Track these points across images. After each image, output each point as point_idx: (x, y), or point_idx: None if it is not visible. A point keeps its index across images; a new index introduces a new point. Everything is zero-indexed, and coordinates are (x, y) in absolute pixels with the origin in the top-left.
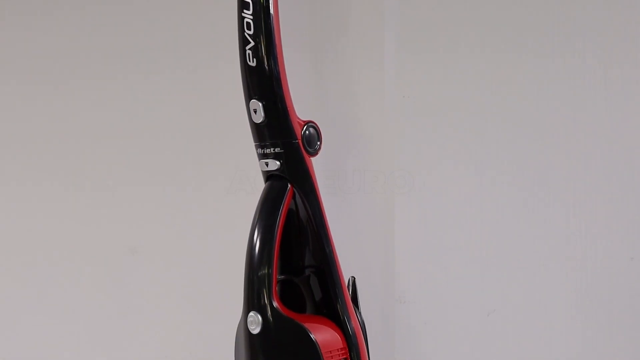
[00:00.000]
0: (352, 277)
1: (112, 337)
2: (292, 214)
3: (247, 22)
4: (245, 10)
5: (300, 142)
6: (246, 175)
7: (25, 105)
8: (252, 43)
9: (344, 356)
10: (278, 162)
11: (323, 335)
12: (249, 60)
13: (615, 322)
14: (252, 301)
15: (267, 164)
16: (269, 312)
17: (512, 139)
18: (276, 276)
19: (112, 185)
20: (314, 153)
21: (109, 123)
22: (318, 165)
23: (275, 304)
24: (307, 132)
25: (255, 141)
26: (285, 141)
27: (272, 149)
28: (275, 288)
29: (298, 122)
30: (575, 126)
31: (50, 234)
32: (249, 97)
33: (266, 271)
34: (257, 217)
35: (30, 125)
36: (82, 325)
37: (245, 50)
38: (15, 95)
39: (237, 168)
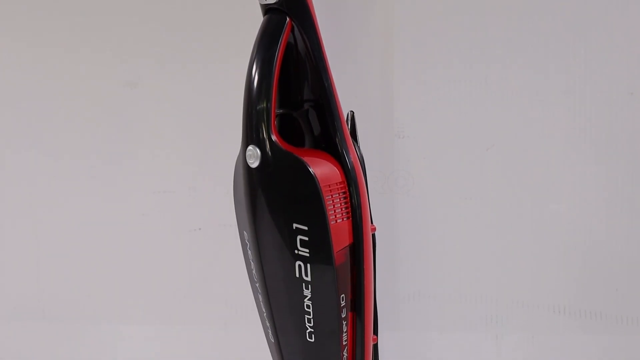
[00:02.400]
0: (351, 111)
1: (111, 171)
2: (290, 48)
3: None
4: None
5: None
6: None
7: None
8: None
9: (343, 190)
10: None
11: (322, 169)
12: None
13: (614, 156)
14: (251, 135)
15: None
16: (268, 146)
17: None
18: (275, 110)
19: (112, 21)
20: None
21: None
22: None
23: (274, 137)
24: None
25: None
26: None
27: None
28: (274, 122)
29: None
30: None
31: (47, 68)
32: None
33: (265, 105)
34: (255, 50)
35: None
36: (78, 161)
37: None
38: None
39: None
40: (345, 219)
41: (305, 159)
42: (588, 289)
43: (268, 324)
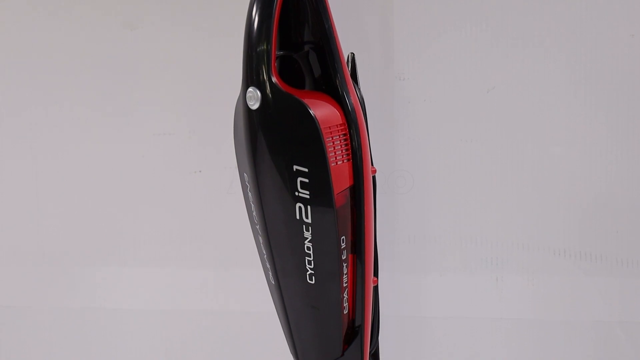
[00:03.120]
0: (352, 53)
1: (110, 114)
2: None
3: None
4: None
5: None
6: None
7: None
8: None
9: (343, 132)
10: None
11: (322, 110)
12: None
13: (615, 98)
14: (251, 77)
15: None
16: (268, 88)
17: None
18: (275, 52)
19: None
20: None
21: None
22: None
23: (274, 79)
24: None
25: None
26: None
27: None
28: (274, 64)
29: None
30: None
31: (45, 11)
32: None
33: (265, 47)
34: None
35: None
36: (78, 104)
37: None
38: None
39: None
40: (345, 160)
41: (306, 101)
42: (588, 231)
43: (268, 266)
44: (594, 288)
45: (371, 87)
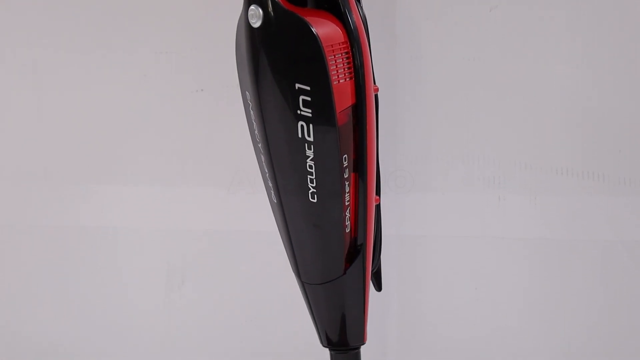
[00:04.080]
0: None
1: (111, 32)
2: None
3: None
4: None
5: None
6: None
7: None
8: None
9: (345, 50)
10: None
11: (324, 28)
12: None
13: (619, 17)
14: None
15: None
16: (270, 5)
17: None
18: None
19: None
20: None
21: None
22: None
23: None
24: None
25: None
26: None
27: None
28: None
29: None
30: None
31: None
32: None
33: None
34: None
35: None
36: (78, 22)
37: None
38: None
39: None
40: (347, 79)
41: (308, 19)
42: (591, 150)
43: (270, 185)
44: (597, 207)
45: (373, 6)
